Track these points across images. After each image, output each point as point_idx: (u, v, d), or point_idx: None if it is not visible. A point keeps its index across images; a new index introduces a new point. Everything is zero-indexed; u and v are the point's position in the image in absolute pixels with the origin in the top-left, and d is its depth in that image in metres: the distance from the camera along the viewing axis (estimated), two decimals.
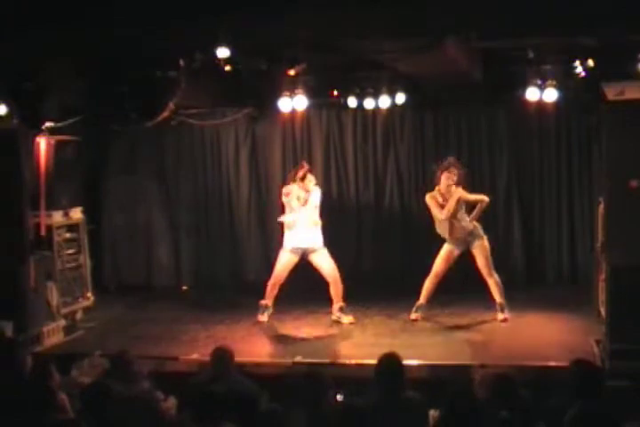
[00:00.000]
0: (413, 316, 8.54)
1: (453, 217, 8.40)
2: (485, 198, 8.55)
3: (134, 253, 11.08)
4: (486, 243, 8.49)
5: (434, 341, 7.94)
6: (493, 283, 8.49)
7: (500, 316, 8.45)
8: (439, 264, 8.52)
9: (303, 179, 8.57)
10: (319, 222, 8.61)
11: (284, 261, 8.66)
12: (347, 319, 8.65)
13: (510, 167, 10.31)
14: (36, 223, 8.60)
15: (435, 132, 10.43)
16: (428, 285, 8.55)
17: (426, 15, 6.68)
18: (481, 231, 8.51)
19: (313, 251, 8.61)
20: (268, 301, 8.73)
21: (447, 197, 8.41)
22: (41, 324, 8.20)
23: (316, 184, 8.76)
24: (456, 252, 8.51)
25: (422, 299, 8.54)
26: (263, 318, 8.70)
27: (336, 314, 8.67)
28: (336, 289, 8.65)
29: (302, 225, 8.55)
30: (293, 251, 8.60)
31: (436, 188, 8.52)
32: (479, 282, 9.93)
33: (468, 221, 8.46)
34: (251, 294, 9.02)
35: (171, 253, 11.04)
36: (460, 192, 8.43)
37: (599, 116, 8.03)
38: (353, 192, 10.68)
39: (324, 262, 8.63)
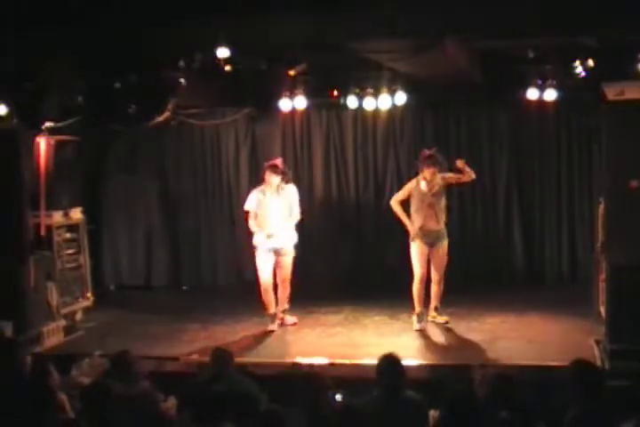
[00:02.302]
0: (418, 326, 8.24)
1: (432, 208, 8.16)
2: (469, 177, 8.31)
3: (134, 253, 11.09)
4: (447, 246, 8.29)
5: (434, 341, 7.95)
6: (439, 288, 8.33)
7: (437, 319, 8.40)
8: (421, 267, 8.20)
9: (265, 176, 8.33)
10: (289, 223, 8.36)
11: (263, 264, 8.36)
12: (291, 320, 8.61)
13: (510, 167, 10.31)
14: (36, 223, 8.60)
15: (435, 132, 10.43)
16: (419, 290, 8.25)
17: (426, 15, 6.68)
18: (446, 234, 8.32)
19: (282, 254, 8.37)
20: (272, 310, 8.46)
21: (433, 184, 8.17)
22: (41, 324, 8.21)
23: (286, 182, 8.41)
24: (426, 249, 8.21)
25: (419, 306, 8.27)
26: (273, 326, 8.41)
27: (280, 315, 8.52)
28: (283, 294, 8.51)
29: (269, 226, 8.29)
30: (267, 251, 8.32)
31: (420, 175, 8.25)
32: (479, 282, 9.98)
33: (443, 220, 8.27)
34: (251, 294, 9.01)
35: (170, 252, 11.04)
36: (445, 178, 8.25)
37: (599, 116, 8.03)
38: (353, 192, 10.69)
39: (286, 267, 8.42)
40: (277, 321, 8.48)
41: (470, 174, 8.25)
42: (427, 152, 8.30)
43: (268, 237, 8.26)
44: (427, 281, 8.38)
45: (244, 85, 9.08)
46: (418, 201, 8.23)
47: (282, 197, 8.35)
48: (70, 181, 9.34)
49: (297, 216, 8.45)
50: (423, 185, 8.20)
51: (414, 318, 8.30)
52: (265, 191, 8.36)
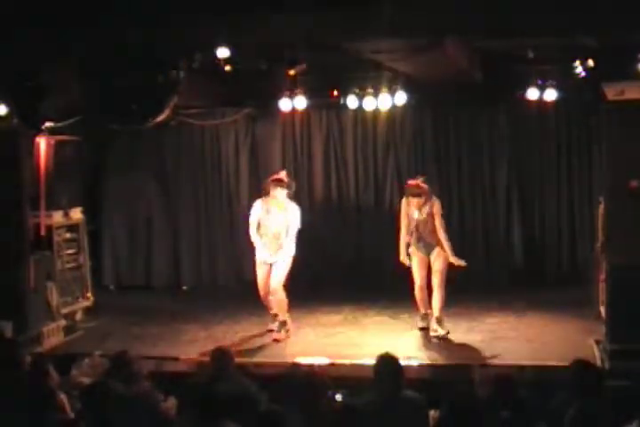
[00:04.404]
0: (421, 324, 8.22)
1: (419, 231, 8.06)
2: (440, 227, 8.01)
3: (134, 253, 11.09)
4: (447, 255, 8.03)
5: (434, 341, 7.94)
6: (439, 296, 8.01)
7: (439, 332, 7.97)
8: (420, 275, 8.10)
9: (269, 191, 8.15)
10: (286, 239, 8.13)
11: (260, 274, 8.24)
12: (277, 335, 8.14)
13: (510, 167, 10.31)
14: (36, 223, 8.60)
15: (435, 132, 10.43)
16: (420, 296, 8.16)
17: (426, 15, 6.67)
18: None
19: (274, 263, 8.19)
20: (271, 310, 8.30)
21: (423, 212, 8.03)
22: (41, 324, 8.20)
23: (289, 197, 8.22)
24: (425, 256, 8.11)
25: (423, 309, 8.21)
26: (274, 325, 8.24)
27: (270, 325, 8.29)
28: (275, 300, 8.17)
29: (268, 241, 8.16)
30: (264, 263, 8.22)
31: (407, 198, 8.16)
32: (479, 282, 9.98)
33: (437, 238, 8.06)
34: (251, 294, 9.01)
35: (171, 252, 11.04)
36: (436, 209, 8.04)
37: (599, 116, 8.03)
38: (353, 192, 10.69)
39: (273, 273, 8.12)
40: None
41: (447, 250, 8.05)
42: (411, 183, 8.13)
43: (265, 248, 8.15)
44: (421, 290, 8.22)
45: (244, 85, 9.09)
46: (407, 223, 8.14)
47: (283, 215, 8.16)
48: (70, 181, 9.34)
49: (293, 236, 8.17)
50: (415, 214, 8.08)
51: (418, 317, 8.28)
52: (269, 204, 8.18)
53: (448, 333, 8.03)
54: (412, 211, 8.13)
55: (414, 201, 8.08)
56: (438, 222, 8.05)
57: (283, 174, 8.34)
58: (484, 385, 4.96)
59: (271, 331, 8.26)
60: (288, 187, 8.21)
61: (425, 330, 8.17)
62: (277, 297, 8.17)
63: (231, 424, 4.66)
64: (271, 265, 8.20)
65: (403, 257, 8.21)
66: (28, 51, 7.34)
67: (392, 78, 8.94)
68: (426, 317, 8.23)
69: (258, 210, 8.26)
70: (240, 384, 5.61)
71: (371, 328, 8.46)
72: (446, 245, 8.02)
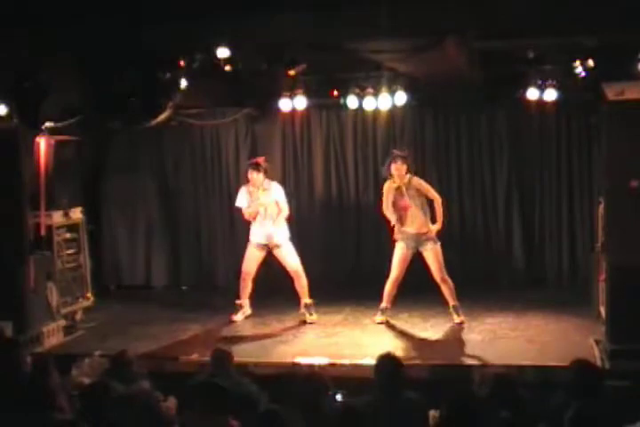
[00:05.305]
0: (379, 319, 8.50)
1: (404, 211, 8.30)
2: (438, 198, 8.43)
3: (134, 253, 11.08)
4: (439, 248, 8.33)
5: (434, 341, 7.95)
6: (447, 288, 8.35)
7: (457, 319, 8.38)
8: (397, 268, 8.38)
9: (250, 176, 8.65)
10: (279, 218, 8.63)
11: (250, 256, 8.77)
12: (310, 318, 8.68)
13: (510, 167, 10.30)
14: (36, 223, 8.60)
15: (435, 132, 10.42)
16: (389, 289, 8.47)
17: (426, 15, 6.68)
18: (435, 237, 8.37)
19: (276, 246, 8.67)
20: (242, 300, 8.82)
21: (407, 187, 8.32)
22: (41, 324, 8.20)
23: (269, 179, 8.72)
24: (409, 251, 8.37)
25: (386, 303, 8.51)
26: (237, 317, 8.80)
27: (302, 310, 8.75)
28: (299, 285, 8.71)
29: (263, 221, 8.63)
30: (258, 246, 8.71)
31: (390, 179, 8.42)
32: (479, 282, 9.97)
33: (425, 219, 8.36)
34: (250, 294, 9.01)
35: (170, 253, 11.04)
36: (418, 183, 8.39)
37: (599, 116, 8.03)
38: (353, 192, 10.68)
39: (287, 257, 8.68)
40: (241, 314, 8.80)
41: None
42: (397, 151, 8.56)
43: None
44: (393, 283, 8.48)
45: (244, 85, 9.08)
46: (391, 201, 8.39)
47: (268, 196, 8.61)
48: (70, 181, 9.34)
49: (286, 212, 8.72)
50: (395, 186, 8.36)
51: (378, 311, 8.52)
52: (252, 190, 8.66)
53: (463, 322, 8.33)
54: (394, 190, 8.34)
55: (395, 172, 8.29)
56: (434, 195, 8.39)
57: (260, 159, 8.81)
58: (484, 385, 4.96)
59: (234, 322, 8.65)
60: (264, 171, 8.63)
61: (382, 324, 8.41)
62: (302, 280, 8.67)
63: (234, 421, 4.67)
64: (268, 252, 8.68)
65: (397, 234, 8.40)
66: (27, 51, 7.33)
67: (392, 78, 8.94)
68: (385, 311, 8.49)
69: (244, 194, 8.73)
70: (240, 384, 5.61)
71: (371, 328, 8.45)
72: (441, 214, 8.35)
